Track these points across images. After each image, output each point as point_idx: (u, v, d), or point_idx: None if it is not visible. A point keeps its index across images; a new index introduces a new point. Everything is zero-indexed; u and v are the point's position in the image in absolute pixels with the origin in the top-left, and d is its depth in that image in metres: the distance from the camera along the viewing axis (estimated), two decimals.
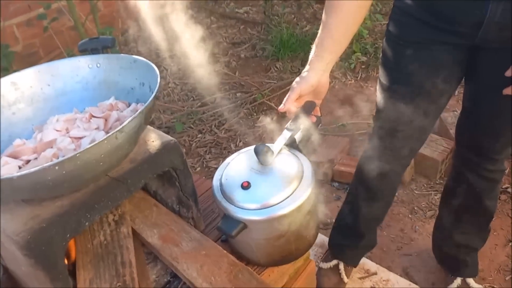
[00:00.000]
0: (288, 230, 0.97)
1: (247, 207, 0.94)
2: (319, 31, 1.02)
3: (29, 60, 2.96)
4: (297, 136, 1.06)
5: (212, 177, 1.04)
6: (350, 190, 1.49)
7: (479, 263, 1.47)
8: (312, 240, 1.06)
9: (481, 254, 1.47)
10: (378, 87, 1.25)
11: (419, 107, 1.16)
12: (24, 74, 1.10)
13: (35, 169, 0.75)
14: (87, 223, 0.88)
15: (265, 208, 0.94)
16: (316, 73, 1.01)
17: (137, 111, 1.06)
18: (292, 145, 1.05)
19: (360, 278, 1.54)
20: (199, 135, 2.56)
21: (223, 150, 2.43)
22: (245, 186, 0.96)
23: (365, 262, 1.59)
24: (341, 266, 1.54)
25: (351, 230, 1.48)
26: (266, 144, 0.99)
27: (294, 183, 0.96)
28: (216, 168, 2.28)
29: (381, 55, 1.23)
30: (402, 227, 1.77)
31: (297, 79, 1.03)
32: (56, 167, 0.76)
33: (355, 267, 1.57)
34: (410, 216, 1.82)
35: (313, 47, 1.03)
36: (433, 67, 1.11)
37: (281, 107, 1.01)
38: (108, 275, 0.94)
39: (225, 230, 0.94)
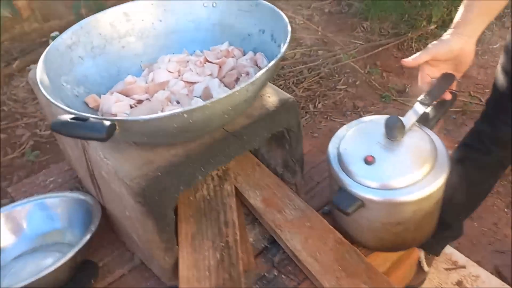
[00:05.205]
0: (410, 218, 0.86)
1: (368, 185, 0.85)
2: None
3: None
4: (431, 112, 0.94)
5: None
6: None
7: None
8: (431, 231, 0.95)
9: None
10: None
11: None
12: (136, 4, 1.03)
13: (164, 114, 0.69)
14: (200, 177, 0.82)
15: (389, 189, 0.84)
16: (459, 39, 0.87)
17: (254, 60, 0.97)
18: (423, 121, 0.93)
19: (446, 269, 1.43)
20: None
21: (301, 110, 2.31)
22: (369, 160, 0.86)
23: (453, 252, 1.47)
24: (422, 254, 1.44)
25: None
26: (399, 117, 0.88)
27: (426, 167, 0.85)
28: None
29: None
30: (496, 220, 1.62)
31: (435, 42, 0.89)
32: (185, 115, 0.69)
33: (437, 256, 1.46)
34: (506, 210, 1.66)
35: (461, 7, 0.89)
36: None
37: (407, 60, 0.89)
38: (211, 232, 0.88)
39: (340, 206, 0.85)
